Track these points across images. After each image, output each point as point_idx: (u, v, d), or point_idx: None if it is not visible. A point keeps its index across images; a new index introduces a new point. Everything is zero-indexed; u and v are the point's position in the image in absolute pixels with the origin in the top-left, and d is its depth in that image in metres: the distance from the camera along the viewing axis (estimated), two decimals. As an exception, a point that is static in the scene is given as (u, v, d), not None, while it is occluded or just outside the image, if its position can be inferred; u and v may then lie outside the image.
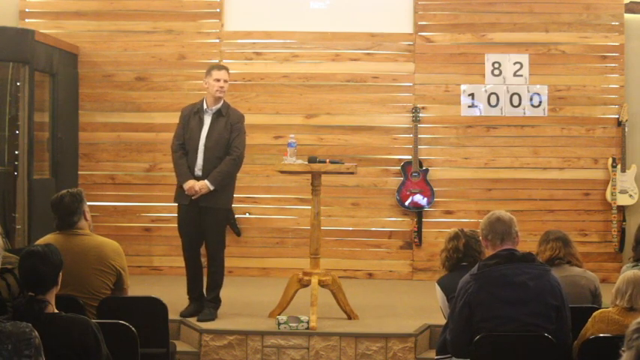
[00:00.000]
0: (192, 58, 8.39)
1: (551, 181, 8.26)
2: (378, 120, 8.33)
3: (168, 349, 4.61)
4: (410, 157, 8.20)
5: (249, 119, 7.99)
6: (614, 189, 8.09)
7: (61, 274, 3.58)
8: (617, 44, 8.29)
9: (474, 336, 3.98)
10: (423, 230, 8.24)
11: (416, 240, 8.22)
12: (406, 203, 8.19)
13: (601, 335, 3.91)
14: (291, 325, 5.83)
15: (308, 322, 5.84)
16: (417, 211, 8.22)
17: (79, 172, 8.34)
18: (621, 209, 8.16)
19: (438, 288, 4.72)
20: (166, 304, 4.59)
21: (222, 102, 6.28)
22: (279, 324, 5.84)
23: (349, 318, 6.18)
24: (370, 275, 8.28)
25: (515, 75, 8.28)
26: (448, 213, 8.27)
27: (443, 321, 4.67)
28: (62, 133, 7.86)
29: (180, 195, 6.25)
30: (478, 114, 8.32)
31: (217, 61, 8.34)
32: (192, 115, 6.27)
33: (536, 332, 3.95)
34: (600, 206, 8.21)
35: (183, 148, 6.24)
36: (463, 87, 8.31)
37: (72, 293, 4.30)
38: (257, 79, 8.38)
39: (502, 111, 8.30)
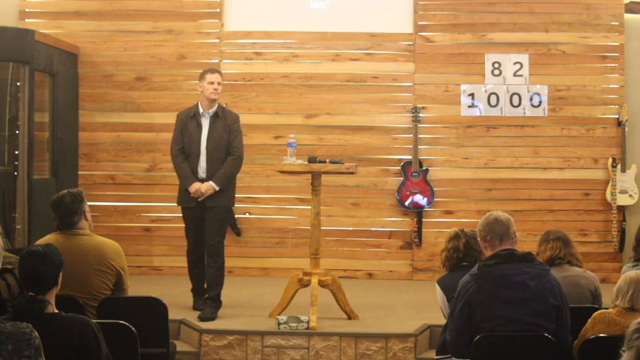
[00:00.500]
0: (192, 58, 8.40)
1: (551, 181, 8.26)
2: (378, 120, 8.33)
3: (168, 349, 4.61)
4: (410, 157, 8.21)
5: (249, 119, 8.02)
6: (614, 189, 8.09)
7: (61, 274, 3.58)
8: (617, 44, 8.29)
9: (473, 336, 3.98)
10: (423, 230, 8.24)
11: (416, 240, 8.22)
12: (406, 203, 8.19)
13: (601, 335, 3.90)
14: (291, 325, 5.83)
15: (308, 322, 5.84)
16: (417, 211, 8.22)
17: (79, 172, 8.34)
18: (621, 209, 8.16)
19: (438, 288, 4.72)
20: (166, 304, 4.59)
21: (217, 104, 6.40)
22: (279, 324, 5.84)
23: (349, 318, 6.18)
24: (370, 275, 8.28)
25: (515, 75, 8.29)
26: (448, 213, 8.27)
27: (443, 321, 4.67)
28: (62, 133, 7.86)
29: (185, 198, 6.36)
30: (478, 114, 8.32)
31: (217, 61, 8.35)
32: (188, 120, 6.37)
33: (536, 332, 3.96)
34: (600, 206, 8.21)
35: (184, 153, 6.36)
36: (463, 87, 8.31)
37: (72, 293, 4.30)
38: (257, 79, 8.38)
39: (502, 111, 8.30)
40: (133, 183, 8.39)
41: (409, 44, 8.37)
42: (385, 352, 5.78)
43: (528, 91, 8.28)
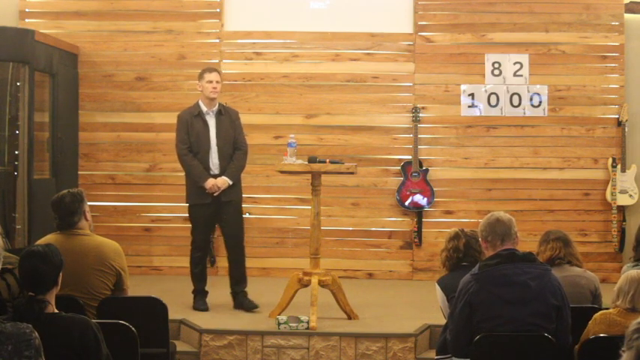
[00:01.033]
0: (192, 58, 8.39)
1: (551, 181, 8.26)
2: (378, 120, 8.33)
3: (168, 349, 4.61)
4: (410, 157, 8.21)
5: (249, 119, 8.03)
6: (614, 189, 8.09)
7: (61, 274, 3.58)
8: (617, 44, 8.29)
9: (474, 336, 3.98)
10: (423, 230, 8.24)
11: (416, 240, 8.22)
12: (406, 203, 8.19)
13: (601, 335, 3.90)
14: (291, 325, 5.83)
15: (308, 322, 5.84)
16: (417, 211, 8.22)
17: (79, 172, 8.34)
18: (621, 209, 8.16)
19: (438, 288, 4.72)
20: (166, 304, 4.59)
21: (217, 102, 6.55)
22: (279, 324, 5.84)
23: (349, 318, 6.18)
24: (370, 275, 8.28)
25: (515, 75, 8.29)
26: (448, 213, 8.27)
27: (443, 321, 4.67)
28: (62, 133, 7.86)
29: (199, 194, 6.45)
30: (478, 114, 8.32)
31: (217, 61, 8.35)
32: (193, 119, 6.48)
33: (536, 332, 3.96)
34: (600, 206, 8.21)
35: (192, 151, 6.46)
36: (463, 87, 8.31)
37: (72, 293, 4.30)
38: (257, 79, 8.38)
39: (502, 111, 8.30)
40: (133, 183, 8.39)
41: (409, 44, 8.37)
42: (385, 352, 5.78)
43: (528, 91, 8.28)
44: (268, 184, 8.30)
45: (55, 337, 3.32)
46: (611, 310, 4.00)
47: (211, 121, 6.49)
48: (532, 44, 8.31)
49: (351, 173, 6.28)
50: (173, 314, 5.13)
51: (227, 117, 6.54)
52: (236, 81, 8.37)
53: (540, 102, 8.28)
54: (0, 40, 7.07)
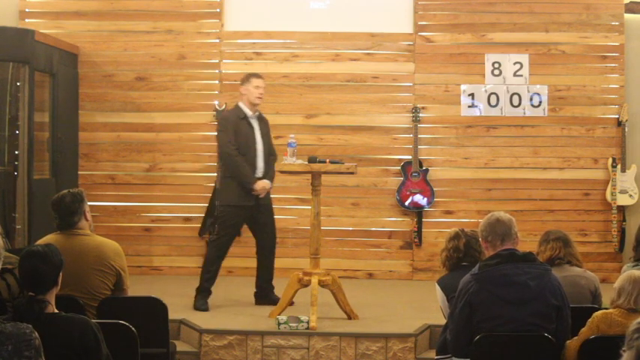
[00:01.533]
0: (192, 58, 8.39)
1: (551, 181, 8.26)
2: (378, 120, 8.33)
3: (168, 349, 4.61)
4: (410, 157, 8.21)
5: (249, 119, 8.02)
6: (614, 189, 8.09)
7: (61, 274, 3.58)
8: (617, 44, 8.29)
9: (474, 336, 3.98)
10: (423, 230, 8.24)
11: (416, 240, 8.22)
12: (406, 203, 8.19)
13: (601, 335, 3.89)
14: (291, 325, 5.83)
15: (308, 322, 5.84)
16: (417, 211, 8.22)
17: (79, 172, 8.34)
18: (621, 209, 8.16)
19: (438, 288, 4.72)
20: (166, 304, 4.59)
21: (257, 108, 6.68)
22: (279, 324, 5.84)
23: (349, 318, 6.18)
24: (370, 275, 8.28)
25: (515, 75, 8.29)
26: (448, 213, 8.27)
27: (443, 321, 4.67)
28: (62, 133, 7.85)
29: (241, 196, 6.52)
30: (478, 114, 8.32)
31: (217, 61, 8.36)
32: (239, 121, 6.57)
33: (536, 332, 3.95)
34: (600, 206, 8.21)
35: (239, 152, 6.54)
36: (463, 87, 8.31)
37: (72, 293, 4.30)
38: (257, 79, 8.36)
39: (502, 111, 8.30)
40: (133, 183, 8.39)
41: (409, 44, 8.37)
42: (385, 352, 5.78)
43: (528, 91, 8.28)
44: (268, 184, 8.28)
45: (55, 337, 3.32)
46: (611, 310, 3.98)
47: (256, 125, 6.62)
48: (532, 44, 8.31)
49: (351, 173, 6.28)
50: (173, 314, 5.13)
51: (264, 123, 6.72)
52: (236, 81, 8.32)
53: (540, 102, 8.28)
54: (0, 40, 7.07)
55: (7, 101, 7.18)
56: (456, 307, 4.12)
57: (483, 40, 8.33)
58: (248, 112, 6.60)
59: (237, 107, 6.66)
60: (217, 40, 8.40)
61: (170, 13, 8.42)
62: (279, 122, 8.29)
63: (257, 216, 6.64)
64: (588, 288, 4.78)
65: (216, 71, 8.40)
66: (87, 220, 4.60)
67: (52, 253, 3.55)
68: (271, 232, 6.74)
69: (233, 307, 6.61)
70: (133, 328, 4.04)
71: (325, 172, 6.20)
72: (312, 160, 6.13)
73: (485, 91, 8.30)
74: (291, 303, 6.27)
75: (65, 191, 4.61)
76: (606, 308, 4.11)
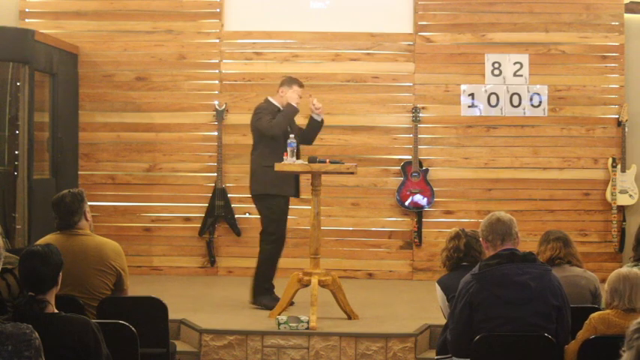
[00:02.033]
0: (192, 58, 8.39)
1: (551, 181, 8.26)
2: (378, 120, 8.33)
3: (168, 349, 4.61)
4: (410, 157, 8.20)
5: (248, 119, 8.01)
6: (614, 189, 8.09)
7: (61, 274, 3.58)
8: (617, 44, 8.29)
9: (474, 336, 3.97)
10: (423, 230, 8.24)
11: (416, 240, 8.22)
12: (406, 203, 8.19)
13: (601, 335, 3.89)
14: (291, 325, 5.83)
15: (308, 322, 5.84)
16: (417, 211, 8.22)
17: (79, 172, 8.34)
18: (621, 209, 8.16)
19: (438, 288, 4.72)
20: (166, 304, 4.59)
21: None
22: (279, 324, 5.84)
23: (349, 318, 6.18)
24: (370, 275, 8.28)
25: (515, 75, 8.28)
26: (448, 213, 8.27)
27: (443, 321, 4.67)
28: (62, 133, 7.86)
29: (284, 185, 6.49)
30: (478, 114, 8.32)
31: (217, 61, 8.36)
32: (275, 114, 6.58)
33: (537, 332, 3.95)
34: (600, 206, 8.21)
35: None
36: (463, 87, 8.31)
37: (72, 293, 4.30)
38: (257, 79, 8.37)
39: (502, 111, 8.30)
40: (133, 183, 8.39)
41: (409, 44, 8.37)
42: (385, 352, 5.78)
43: (528, 91, 8.28)
44: (268, 184, 8.28)
45: (55, 337, 3.32)
46: (608, 311, 3.96)
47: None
48: (532, 44, 8.30)
49: (351, 173, 6.28)
50: (173, 314, 5.12)
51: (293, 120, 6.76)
52: (236, 81, 8.37)
53: (540, 102, 8.28)
54: (0, 40, 7.06)
55: (7, 101, 7.18)
56: (456, 307, 4.11)
57: (483, 40, 8.33)
58: (280, 107, 6.64)
59: (268, 101, 6.70)
60: (217, 40, 8.40)
61: (170, 13, 8.42)
62: (279, 122, 8.29)
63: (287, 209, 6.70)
64: (588, 288, 4.78)
65: (216, 71, 8.40)
66: (87, 220, 4.61)
67: (52, 253, 3.55)
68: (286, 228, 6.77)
69: (233, 307, 6.61)
70: (133, 328, 4.04)
71: (325, 172, 6.21)
72: (312, 160, 6.13)
73: (485, 91, 8.30)
74: (291, 303, 6.27)
75: (65, 191, 4.61)
76: (604, 310, 4.10)
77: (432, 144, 8.32)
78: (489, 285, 4.01)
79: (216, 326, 5.96)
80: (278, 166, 6.29)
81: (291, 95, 6.62)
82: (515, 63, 8.29)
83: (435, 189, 8.20)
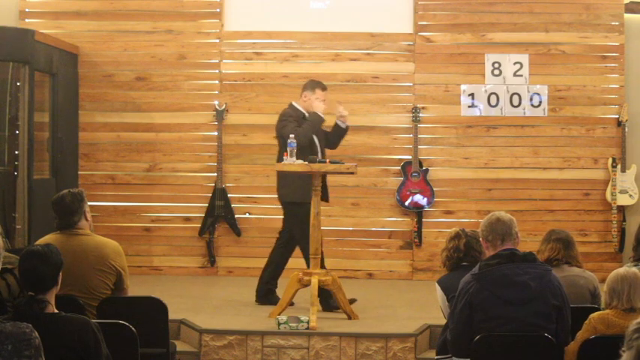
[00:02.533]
0: (192, 58, 8.39)
1: (551, 181, 8.26)
2: (378, 120, 8.33)
3: (168, 349, 4.61)
4: (410, 157, 8.20)
5: (249, 119, 8.07)
6: (614, 189, 8.09)
7: (61, 274, 3.58)
8: (617, 44, 8.29)
9: (474, 336, 3.97)
10: (423, 230, 8.24)
11: (416, 240, 8.22)
12: (406, 203, 8.19)
13: (601, 335, 3.89)
14: (291, 325, 5.83)
15: (308, 322, 5.84)
16: (417, 211, 8.22)
17: (79, 172, 8.34)
18: (621, 209, 8.16)
19: (438, 288, 4.72)
20: (166, 304, 4.60)
21: None
22: (279, 324, 5.84)
23: (349, 318, 6.18)
24: (370, 275, 8.28)
25: (515, 75, 8.29)
26: (448, 213, 8.27)
27: (443, 321, 4.67)
28: (62, 133, 7.86)
29: (307, 192, 6.28)
30: (478, 114, 8.32)
31: (217, 61, 8.36)
32: (302, 121, 6.57)
33: (537, 332, 3.95)
34: (600, 206, 8.21)
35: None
36: (463, 87, 8.31)
37: (72, 293, 4.30)
38: (257, 79, 8.37)
39: (502, 111, 8.30)
40: (133, 183, 8.39)
41: (409, 44, 8.37)
42: (385, 352, 5.78)
43: (528, 91, 8.28)
44: (268, 184, 8.26)
45: (55, 337, 3.32)
46: (607, 311, 3.97)
47: None
48: (532, 44, 8.30)
49: (351, 173, 6.28)
50: (173, 314, 5.13)
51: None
52: (236, 81, 8.37)
53: (540, 102, 8.28)
54: (0, 40, 7.07)
55: (7, 101, 7.18)
56: (456, 307, 4.11)
57: (483, 40, 8.33)
58: (305, 112, 6.64)
59: (292, 107, 6.69)
60: (217, 40, 8.40)
61: (170, 13, 8.42)
62: (279, 122, 8.29)
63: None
64: (587, 288, 4.78)
65: (216, 71, 8.40)
66: (87, 219, 4.61)
67: (52, 253, 3.55)
68: None
69: (233, 307, 6.61)
70: (133, 328, 4.04)
71: (325, 172, 6.20)
72: (312, 160, 6.12)
73: (485, 91, 8.30)
74: (291, 303, 6.27)
75: (65, 191, 4.62)
76: (603, 310, 4.10)
77: (431, 144, 8.32)
78: (489, 285, 4.01)
79: (216, 326, 5.95)
80: (278, 166, 6.29)
81: (317, 104, 6.60)
82: (515, 63, 8.29)
83: (435, 189, 8.20)
